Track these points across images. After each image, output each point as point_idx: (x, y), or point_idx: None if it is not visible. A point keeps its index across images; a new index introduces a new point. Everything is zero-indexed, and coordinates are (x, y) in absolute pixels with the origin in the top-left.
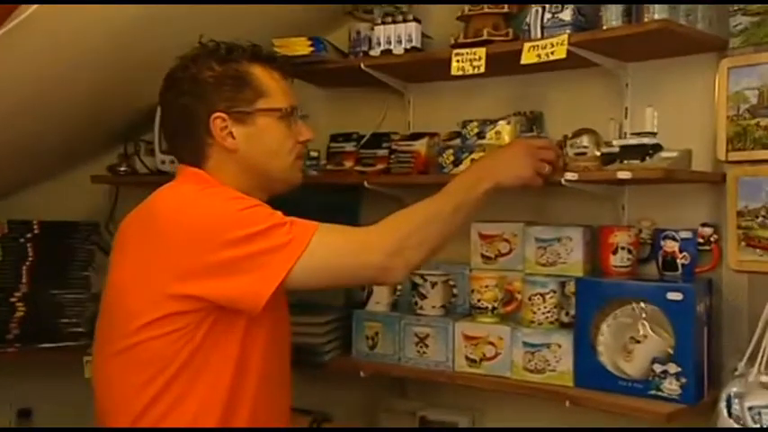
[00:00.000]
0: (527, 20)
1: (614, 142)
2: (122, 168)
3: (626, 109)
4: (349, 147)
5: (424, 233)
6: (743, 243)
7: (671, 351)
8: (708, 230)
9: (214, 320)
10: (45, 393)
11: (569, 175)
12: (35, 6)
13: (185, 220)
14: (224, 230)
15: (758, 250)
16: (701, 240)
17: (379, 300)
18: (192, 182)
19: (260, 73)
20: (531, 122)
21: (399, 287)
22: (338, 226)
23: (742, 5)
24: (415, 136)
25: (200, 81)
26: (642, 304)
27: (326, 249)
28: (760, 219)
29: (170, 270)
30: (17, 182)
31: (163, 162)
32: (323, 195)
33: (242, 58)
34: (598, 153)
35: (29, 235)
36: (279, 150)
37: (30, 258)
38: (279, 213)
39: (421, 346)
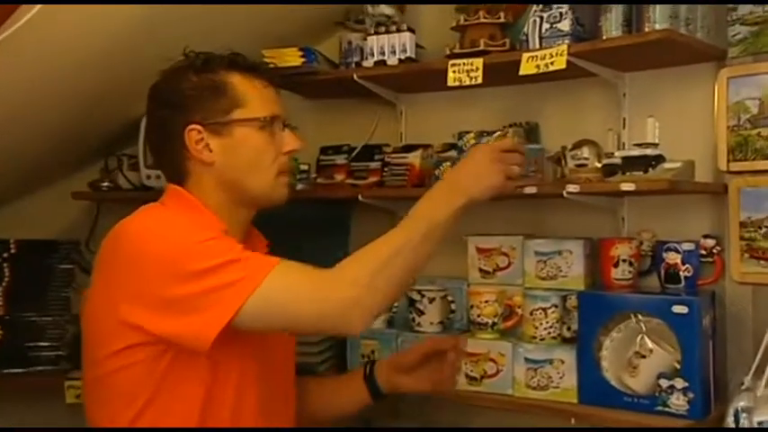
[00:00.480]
0: (525, 30)
1: (616, 153)
2: (105, 184)
3: (624, 119)
4: (340, 159)
5: (390, 271)
6: (746, 254)
7: (677, 366)
8: (710, 242)
9: (175, 354)
10: (24, 420)
11: (571, 188)
12: (28, 16)
13: (141, 250)
14: (176, 264)
15: (762, 262)
16: (703, 252)
17: None
18: (169, 203)
19: (238, 82)
20: (528, 133)
21: (396, 303)
22: (300, 265)
23: (740, 15)
24: (408, 148)
25: (178, 93)
26: (646, 318)
27: (281, 289)
28: (763, 230)
29: (124, 298)
30: None
31: (148, 177)
32: (313, 209)
33: (219, 67)
34: (599, 164)
35: (5, 254)
36: (258, 163)
37: (6, 279)
38: (238, 248)
39: None
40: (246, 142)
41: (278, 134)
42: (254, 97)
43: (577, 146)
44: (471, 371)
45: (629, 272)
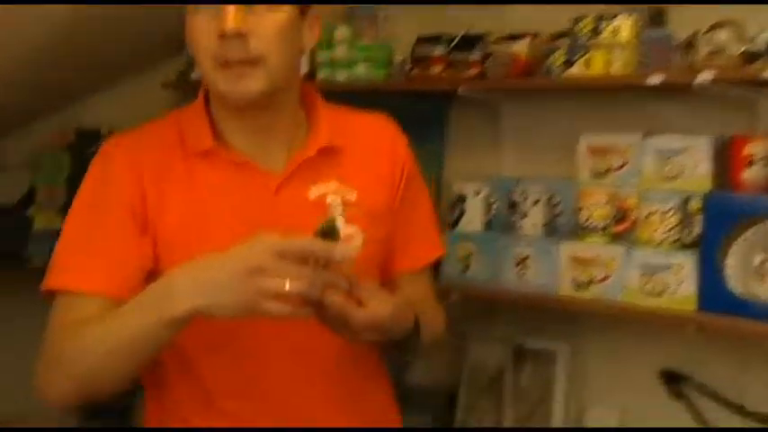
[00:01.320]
0: None
1: (761, 36)
2: (193, 74)
3: None
4: (437, 51)
5: (75, 364)
6: None
7: None
8: None
9: None
10: None
11: (704, 75)
12: None
13: None
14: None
15: None
16: None
17: (472, 219)
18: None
19: None
20: (651, 18)
21: (495, 205)
22: (65, 309)
23: None
24: (515, 36)
25: None
26: None
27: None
28: None
29: None
30: (85, 86)
31: None
32: (407, 102)
33: None
34: (738, 51)
35: (98, 144)
36: (196, 53)
37: None
38: (87, 222)
39: (521, 269)
40: (190, 29)
41: (222, 12)
42: None
43: (713, 28)
44: (578, 276)
45: (765, 173)
